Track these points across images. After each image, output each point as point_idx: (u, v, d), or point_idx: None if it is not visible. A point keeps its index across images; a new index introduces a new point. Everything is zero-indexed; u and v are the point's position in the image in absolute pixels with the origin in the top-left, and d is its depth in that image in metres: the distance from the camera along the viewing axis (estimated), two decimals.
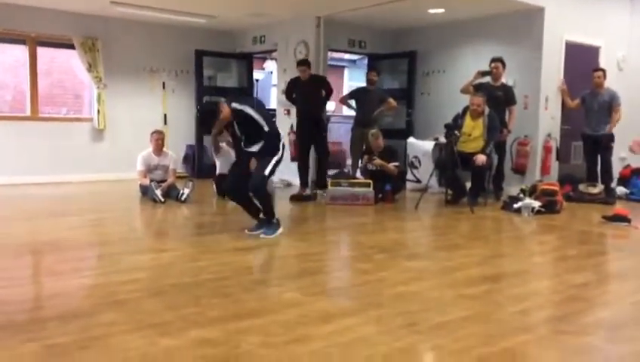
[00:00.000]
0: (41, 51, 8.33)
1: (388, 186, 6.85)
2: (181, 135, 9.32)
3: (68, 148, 8.46)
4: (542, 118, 7.46)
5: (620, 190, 7.48)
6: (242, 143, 4.78)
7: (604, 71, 7.32)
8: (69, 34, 8.25)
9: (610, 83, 7.38)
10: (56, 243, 4.46)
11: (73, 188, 7.77)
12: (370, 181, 6.72)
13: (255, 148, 4.77)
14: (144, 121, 8.66)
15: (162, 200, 6.45)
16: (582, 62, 7.78)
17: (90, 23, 8.37)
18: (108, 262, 4.04)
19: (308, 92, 7.21)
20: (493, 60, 7.02)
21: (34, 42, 8.19)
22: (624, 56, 8.32)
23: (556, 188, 6.53)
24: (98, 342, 2.46)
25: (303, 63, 7.24)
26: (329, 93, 7.37)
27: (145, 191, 6.72)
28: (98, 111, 8.56)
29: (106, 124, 8.64)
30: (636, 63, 8.46)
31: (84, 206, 6.55)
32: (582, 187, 7.18)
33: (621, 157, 8.01)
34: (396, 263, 4.00)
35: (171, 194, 6.64)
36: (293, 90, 7.39)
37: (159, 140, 6.95)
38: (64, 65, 8.91)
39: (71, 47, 8.34)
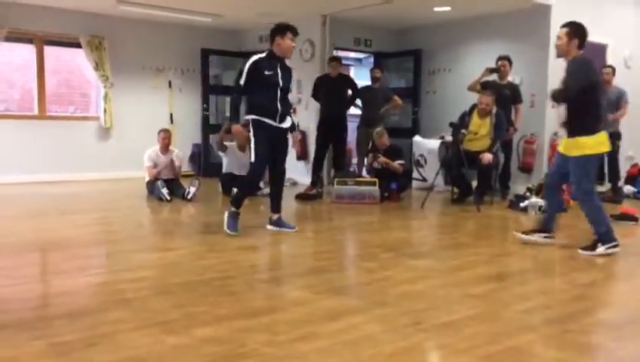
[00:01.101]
0: (49, 50, 8.38)
1: (394, 185, 6.85)
2: (187, 134, 9.35)
3: (75, 147, 8.50)
4: (548, 116, 7.43)
5: (628, 189, 7.45)
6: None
7: (613, 68, 7.28)
8: (76, 33, 8.29)
9: (618, 81, 7.35)
10: (62, 242, 4.49)
11: (80, 186, 7.81)
12: (376, 180, 6.73)
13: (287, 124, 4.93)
14: (150, 120, 8.70)
15: (169, 198, 6.48)
16: None
17: (97, 21, 8.41)
18: (114, 260, 4.06)
19: (334, 90, 7.28)
20: (500, 58, 7.00)
21: (41, 41, 8.23)
22: (631, 54, 8.28)
23: (563, 186, 6.50)
24: (105, 340, 2.47)
25: (335, 60, 7.33)
26: (356, 91, 7.44)
27: (152, 189, 6.75)
28: (105, 110, 8.60)
29: (112, 122, 8.69)
30: None
31: (90, 204, 6.58)
32: None
33: (628, 156, 7.97)
34: (402, 262, 4.00)
35: (177, 192, 6.67)
36: (319, 89, 7.43)
37: (166, 139, 6.99)
38: (71, 64, 8.95)
39: (78, 46, 8.39)
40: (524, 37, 7.50)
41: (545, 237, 4.56)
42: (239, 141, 7.15)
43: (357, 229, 5.44)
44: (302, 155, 8.48)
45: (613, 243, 4.29)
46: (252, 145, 4.76)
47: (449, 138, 7.09)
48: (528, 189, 6.55)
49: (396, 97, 7.77)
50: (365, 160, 7.42)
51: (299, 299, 3.10)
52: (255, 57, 4.74)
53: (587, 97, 4.25)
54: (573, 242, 4.88)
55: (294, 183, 8.21)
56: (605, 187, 7.12)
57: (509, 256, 4.37)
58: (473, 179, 6.71)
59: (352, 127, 8.23)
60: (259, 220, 5.85)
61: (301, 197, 6.94)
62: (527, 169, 7.42)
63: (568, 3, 7.42)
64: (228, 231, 4.72)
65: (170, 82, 9.27)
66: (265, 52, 4.84)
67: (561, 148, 4.48)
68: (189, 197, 6.56)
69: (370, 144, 7.45)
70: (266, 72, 4.69)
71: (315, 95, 7.54)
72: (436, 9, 7.73)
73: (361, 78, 12.83)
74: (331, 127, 7.27)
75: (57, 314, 2.81)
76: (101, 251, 4.42)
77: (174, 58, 9.30)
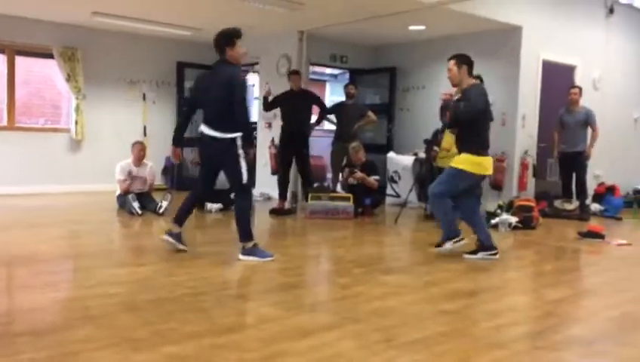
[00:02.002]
0: (20, 61, 8.24)
1: (368, 200, 6.87)
2: (161, 147, 9.23)
3: (45, 159, 8.35)
4: (519, 135, 7.58)
5: (595, 207, 7.60)
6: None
7: (580, 88, 7.46)
8: (49, 43, 8.18)
9: (586, 102, 7.54)
10: (29, 256, 4.38)
11: (50, 199, 7.66)
12: (350, 195, 6.75)
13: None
14: (123, 132, 8.60)
15: (140, 212, 6.39)
16: (558, 81, 7.93)
17: (71, 32, 8.31)
18: (82, 275, 3.98)
19: (296, 105, 7.20)
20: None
21: (12, 52, 8.10)
22: (600, 76, 8.50)
23: (532, 204, 6.62)
24: (70, 359, 2.41)
25: (296, 73, 7.31)
26: (322, 105, 7.42)
27: (122, 203, 6.66)
28: (76, 122, 8.47)
29: (84, 134, 8.56)
30: (611, 83, 8.66)
31: (59, 218, 6.44)
32: (557, 203, 7.30)
33: (596, 174, 8.15)
34: (375, 277, 4.01)
35: (149, 206, 6.58)
36: (279, 104, 7.33)
37: (141, 151, 6.92)
38: (43, 75, 8.82)
39: (50, 56, 8.27)
40: (495, 57, 7.64)
41: (490, 254, 4.70)
42: None
43: (330, 245, 5.43)
44: (277, 170, 8.44)
45: (458, 238, 4.71)
46: (242, 165, 4.36)
47: (422, 155, 7.17)
48: (499, 206, 6.64)
49: (370, 113, 7.83)
50: (340, 175, 7.44)
51: (270, 316, 3.07)
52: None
53: (479, 123, 4.64)
54: (541, 259, 4.96)
55: (269, 198, 8.19)
56: (573, 205, 7.26)
57: (479, 272, 4.40)
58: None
59: (326, 143, 8.26)
60: (230, 236, 5.81)
61: (275, 213, 6.92)
62: (497, 186, 7.52)
63: (538, 25, 7.61)
64: (267, 259, 4.42)
65: (144, 95, 9.19)
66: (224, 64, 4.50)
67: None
68: (160, 211, 6.48)
69: (345, 159, 7.49)
70: None
71: (270, 107, 7.34)
72: (411, 28, 7.85)
73: (336, 93, 12.93)
74: (293, 143, 7.18)
75: (21, 332, 2.73)
76: (69, 266, 4.33)
77: (149, 70, 9.23)
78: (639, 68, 9.32)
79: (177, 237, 4.57)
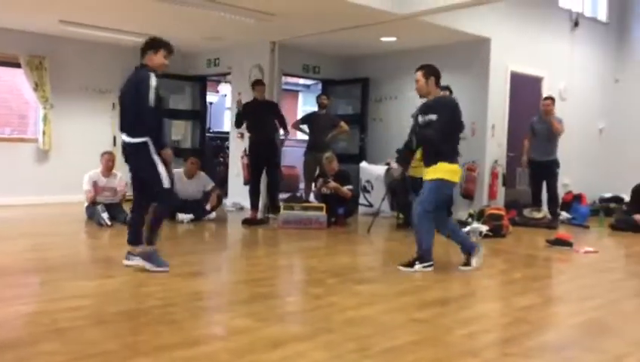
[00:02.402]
0: None
1: (340, 210, 6.88)
2: None
3: (12, 170, 8.14)
4: (489, 144, 7.70)
5: (563, 215, 7.75)
6: None
7: (552, 99, 7.57)
8: (15, 52, 8.02)
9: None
10: None
11: (16, 210, 7.47)
12: (323, 205, 6.75)
13: None
14: (92, 143, 8.46)
15: (109, 223, 6.28)
16: (526, 91, 8.10)
17: (38, 41, 8.16)
18: (50, 288, 3.88)
19: (262, 115, 7.20)
20: (442, 88, 7.19)
21: None
22: (566, 87, 8.71)
23: (502, 212, 6.72)
24: None
25: (261, 83, 7.29)
26: (282, 120, 7.32)
27: (91, 214, 6.53)
28: (44, 132, 8.31)
29: (51, 144, 8.39)
30: (576, 94, 8.88)
31: (26, 229, 6.29)
32: (527, 212, 7.42)
33: (564, 183, 8.31)
34: (348, 287, 4.00)
35: (118, 217, 6.47)
36: (245, 117, 7.31)
37: (110, 161, 6.82)
38: (9, 85, 8.63)
39: (17, 65, 8.11)
40: (465, 68, 7.78)
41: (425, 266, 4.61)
42: (186, 168, 7.05)
43: (303, 255, 5.42)
44: (249, 180, 8.41)
45: (429, 263, 4.59)
46: (160, 169, 4.21)
47: (395, 164, 7.21)
48: (470, 215, 6.72)
49: (343, 123, 7.87)
50: (313, 185, 7.44)
51: (242, 327, 3.04)
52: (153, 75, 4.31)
53: (453, 134, 4.69)
54: (511, 267, 5.02)
55: (241, 208, 8.14)
56: (542, 213, 7.38)
57: (451, 280, 4.44)
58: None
59: (299, 153, 8.26)
60: (202, 246, 5.75)
61: (247, 223, 6.87)
62: (468, 195, 7.62)
63: (506, 37, 7.77)
64: (162, 269, 4.22)
65: (113, 104, 9.05)
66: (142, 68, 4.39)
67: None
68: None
69: (318, 169, 7.50)
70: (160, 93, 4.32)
71: (240, 123, 7.33)
72: (383, 39, 7.93)
73: (309, 104, 12.97)
74: (262, 152, 7.17)
75: None
76: (35, 279, 4.22)
77: (118, 80, 9.04)
78: (603, 79, 9.59)
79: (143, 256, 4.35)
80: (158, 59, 4.41)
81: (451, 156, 4.61)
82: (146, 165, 4.22)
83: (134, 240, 4.36)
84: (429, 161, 4.66)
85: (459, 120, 4.77)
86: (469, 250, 4.75)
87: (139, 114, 4.18)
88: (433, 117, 4.61)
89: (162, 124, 4.46)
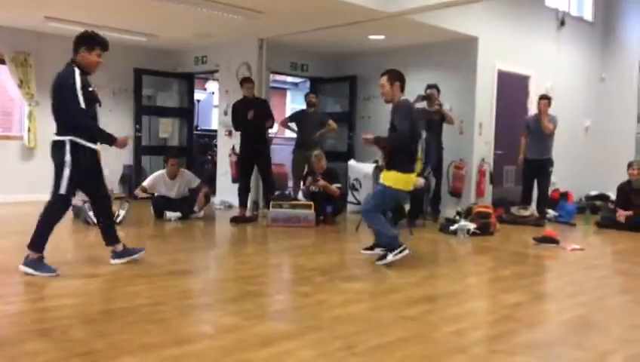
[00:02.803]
0: None
1: (329, 208, 6.88)
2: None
3: None
4: (476, 142, 7.74)
5: (550, 213, 7.80)
6: None
7: (549, 99, 7.58)
8: (0, 49, 7.92)
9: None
10: None
11: (1, 208, 7.38)
12: (312, 203, 6.74)
13: None
14: None
15: (95, 221, 6.21)
16: (513, 90, 8.15)
17: (23, 37, 8.07)
18: (35, 287, 3.83)
19: (253, 111, 7.14)
20: (429, 87, 7.23)
21: None
22: (552, 86, 8.77)
23: (490, 210, 6.75)
24: None
25: (249, 80, 7.25)
26: (271, 118, 7.28)
27: (77, 212, 6.47)
28: (29, 129, 8.22)
29: (37, 142, 8.31)
30: (562, 92, 8.94)
31: (10, 227, 6.23)
32: (514, 210, 7.46)
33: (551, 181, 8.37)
34: (336, 285, 4.00)
35: None
36: (239, 113, 7.26)
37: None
38: None
39: (1, 62, 8.01)
40: (453, 66, 7.81)
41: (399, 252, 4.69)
42: (167, 170, 6.99)
43: (291, 253, 5.41)
44: (237, 178, 8.38)
45: (400, 249, 4.63)
46: (65, 173, 4.08)
47: (382, 162, 7.22)
48: (457, 213, 6.75)
49: (331, 121, 7.86)
50: (301, 183, 7.43)
51: (230, 325, 3.03)
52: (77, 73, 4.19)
53: (405, 142, 4.66)
54: (499, 264, 5.05)
55: (229, 206, 8.11)
56: (529, 211, 7.42)
57: (439, 278, 4.46)
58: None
59: (287, 151, 8.24)
60: (190, 244, 5.73)
61: (236, 221, 6.85)
62: (456, 193, 7.65)
63: (494, 36, 7.81)
64: (48, 274, 3.97)
65: (100, 102, 8.97)
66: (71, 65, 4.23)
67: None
68: (117, 220, 6.30)
69: (307, 167, 7.48)
70: (90, 88, 4.29)
71: (238, 123, 7.22)
72: (371, 37, 7.93)
73: (297, 102, 12.96)
74: (253, 149, 7.14)
75: None
76: (20, 278, 4.16)
77: (105, 77, 9.00)
78: (589, 78, 9.68)
79: (123, 254, 4.40)
80: (92, 57, 4.27)
81: (403, 165, 4.64)
82: (56, 165, 4.14)
83: (110, 240, 4.38)
84: (387, 165, 4.77)
85: (413, 128, 4.65)
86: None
87: (65, 114, 4.10)
88: (390, 136, 4.70)
89: (96, 119, 4.38)
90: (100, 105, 4.42)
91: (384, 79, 4.73)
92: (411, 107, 4.81)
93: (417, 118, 4.88)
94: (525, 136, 7.60)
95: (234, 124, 7.31)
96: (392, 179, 4.66)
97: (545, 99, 7.50)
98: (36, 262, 4.03)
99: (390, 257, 4.62)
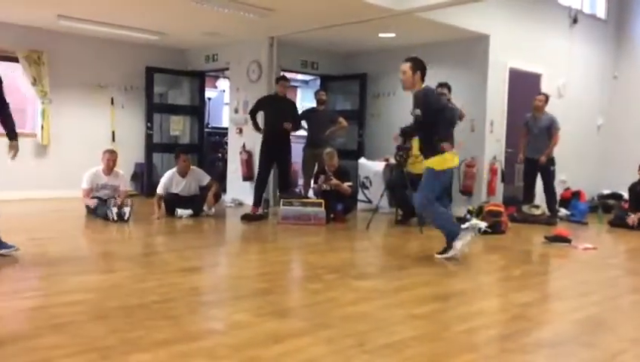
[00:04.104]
0: None
1: (339, 206, 6.89)
2: (130, 152, 9.12)
3: (9, 165, 8.11)
4: (488, 140, 7.71)
5: (561, 211, 7.76)
6: None
7: (546, 95, 7.58)
8: (13, 47, 8.00)
9: (552, 109, 7.69)
10: None
11: (15, 205, 7.45)
12: (322, 201, 6.75)
13: None
14: (91, 138, 8.47)
15: (116, 218, 6.27)
16: (525, 88, 8.10)
17: (36, 36, 8.14)
18: (50, 283, 3.88)
19: (281, 110, 7.17)
20: (440, 85, 7.20)
21: None
22: (564, 84, 8.72)
23: (501, 209, 6.72)
24: None
25: (284, 79, 7.35)
26: (297, 118, 7.36)
27: (97, 208, 6.52)
28: (42, 127, 8.30)
29: (50, 139, 8.39)
30: (575, 90, 8.89)
31: (26, 224, 6.28)
32: (525, 208, 7.42)
33: (562, 180, 8.33)
34: (346, 283, 4.01)
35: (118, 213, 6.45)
36: (262, 108, 7.31)
37: (111, 161, 6.80)
38: (6, 79, 8.59)
39: (15, 60, 8.09)
40: (464, 64, 7.78)
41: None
42: (178, 167, 7.02)
43: (302, 250, 5.42)
44: (247, 176, 8.42)
45: (461, 234, 4.76)
46: None
47: (393, 160, 7.22)
48: (469, 211, 6.73)
49: (342, 119, 7.87)
50: (312, 181, 7.44)
51: (241, 322, 3.05)
52: None
53: (437, 120, 4.70)
54: (510, 263, 5.04)
55: (240, 204, 8.14)
56: (541, 210, 7.39)
57: (450, 276, 4.45)
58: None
59: (298, 149, 8.25)
60: (201, 242, 5.76)
61: (247, 218, 6.88)
62: (467, 191, 7.63)
63: (505, 33, 7.77)
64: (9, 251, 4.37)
65: (112, 99, 9.06)
66: None
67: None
68: (125, 217, 6.36)
69: (317, 165, 7.49)
70: None
71: (254, 112, 7.33)
72: (381, 35, 7.92)
73: (307, 99, 12.97)
74: (276, 146, 7.20)
75: None
76: (35, 274, 4.22)
77: (117, 75, 9.10)
78: (602, 76, 9.61)
79: None
80: None
81: (437, 148, 4.70)
82: None
83: None
84: (423, 154, 4.86)
85: (441, 106, 4.82)
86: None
87: None
88: (418, 111, 4.70)
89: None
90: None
91: (407, 66, 4.68)
92: (430, 95, 4.79)
93: (439, 103, 4.92)
94: (524, 135, 7.57)
95: (252, 110, 7.32)
96: (435, 162, 4.68)
97: (542, 95, 7.49)
98: None
99: (458, 244, 4.71)
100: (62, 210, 7.31)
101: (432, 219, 4.98)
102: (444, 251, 4.81)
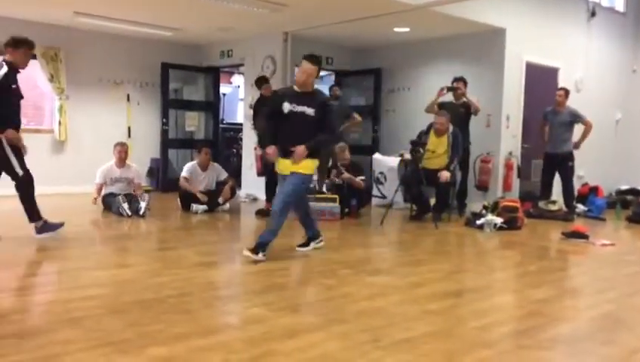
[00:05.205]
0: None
1: (354, 201, 6.88)
2: (146, 148, 9.19)
3: (28, 160, 8.21)
4: (503, 136, 7.64)
5: (579, 207, 7.67)
6: None
7: (566, 90, 7.48)
8: None
9: (569, 104, 7.59)
10: (13, 258, 4.32)
11: None
12: (337, 196, 6.74)
13: None
14: (107, 133, 8.53)
15: (129, 213, 6.32)
16: (541, 82, 8.01)
17: (53, 33, 8.22)
18: (67, 277, 3.93)
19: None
20: (456, 79, 7.16)
21: None
22: (582, 78, 8.61)
23: (517, 204, 6.66)
24: (54, 361, 2.38)
25: (267, 81, 7.29)
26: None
27: (110, 204, 6.59)
28: (59, 123, 8.39)
29: (67, 135, 8.47)
30: (593, 85, 8.77)
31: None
32: (542, 204, 7.35)
33: (579, 175, 8.23)
34: (361, 278, 4.01)
35: (132, 208, 6.51)
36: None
37: (122, 152, 6.86)
38: (24, 75, 8.68)
39: (32, 57, 8.15)
40: (480, 59, 7.71)
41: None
42: (200, 159, 7.06)
43: (316, 246, 5.41)
44: (262, 172, 8.41)
45: (319, 239, 4.93)
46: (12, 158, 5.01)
47: (408, 156, 7.19)
48: (484, 207, 6.68)
49: (356, 115, 7.84)
50: (325, 176, 7.42)
51: (256, 317, 3.06)
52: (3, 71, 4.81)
53: None
54: (526, 259, 5.00)
55: (254, 199, 8.16)
56: (558, 205, 7.31)
57: (465, 272, 4.43)
58: (431, 196, 6.81)
59: None
60: (216, 237, 5.79)
61: (261, 214, 6.88)
62: (483, 187, 7.58)
63: (522, 27, 7.68)
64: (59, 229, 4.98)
65: (128, 95, 9.12)
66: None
67: None
68: (140, 212, 6.40)
69: (330, 161, 7.48)
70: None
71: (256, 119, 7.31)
72: (396, 30, 7.88)
73: None
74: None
75: (5, 334, 2.69)
76: (51, 268, 4.28)
77: (133, 71, 9.16)
78: (620, 70, 9.46)
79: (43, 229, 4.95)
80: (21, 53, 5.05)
81: None
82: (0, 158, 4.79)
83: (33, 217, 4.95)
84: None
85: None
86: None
87: None
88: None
89: (8, 111, 4.90)
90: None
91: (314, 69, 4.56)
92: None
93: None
94: (543, 126, 7.50)
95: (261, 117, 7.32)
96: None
97: (562, 90, 7.39)
98: (45, 226, 4.93)
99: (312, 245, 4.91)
100: (78, 205, 7.38)
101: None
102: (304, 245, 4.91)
